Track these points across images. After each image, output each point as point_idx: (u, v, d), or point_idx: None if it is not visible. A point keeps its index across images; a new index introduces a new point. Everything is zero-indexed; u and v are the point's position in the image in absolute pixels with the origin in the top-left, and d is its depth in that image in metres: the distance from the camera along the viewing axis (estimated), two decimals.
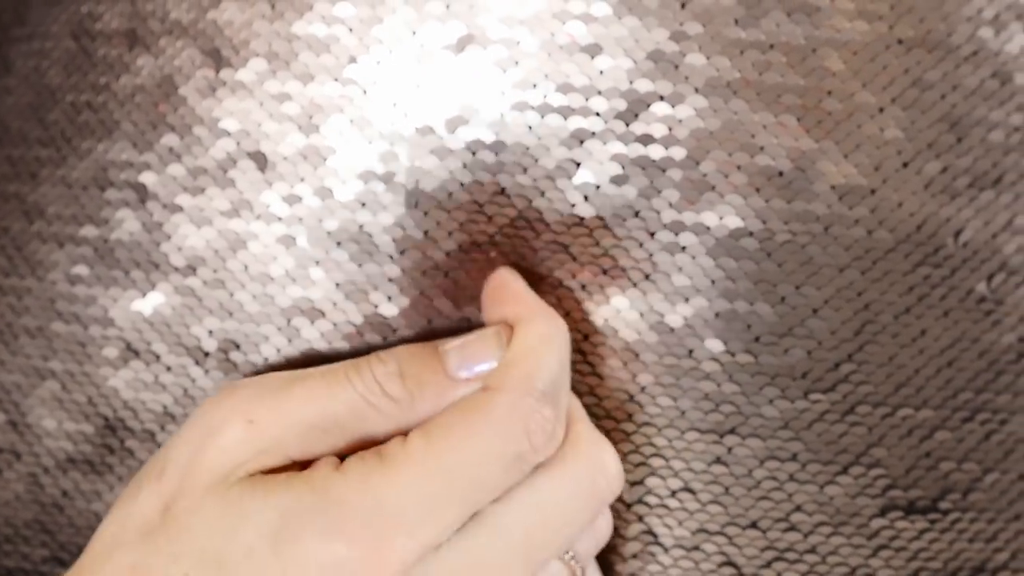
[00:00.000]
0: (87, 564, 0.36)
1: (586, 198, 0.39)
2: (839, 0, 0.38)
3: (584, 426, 0.38)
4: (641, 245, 0.39)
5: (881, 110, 0.39)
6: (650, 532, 0.41)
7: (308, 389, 0.36)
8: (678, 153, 0.39)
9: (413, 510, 0.34)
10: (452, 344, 0.37)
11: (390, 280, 0.40)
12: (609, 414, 0.41)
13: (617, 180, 0.39)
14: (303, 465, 0.36)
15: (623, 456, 0.40)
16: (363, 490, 0.34)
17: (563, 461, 0.37)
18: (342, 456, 0.36)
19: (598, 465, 0.37)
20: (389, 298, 0.40)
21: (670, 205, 0.39)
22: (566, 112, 0.39)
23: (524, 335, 0.37)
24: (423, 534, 0.34)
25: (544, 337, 0.37)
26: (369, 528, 0.34)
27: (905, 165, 0.39)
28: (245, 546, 0.34)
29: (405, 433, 0.36)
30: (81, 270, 0.42)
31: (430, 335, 0.40)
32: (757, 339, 0.40)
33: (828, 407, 0.40)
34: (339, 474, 0.35)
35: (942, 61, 0.39)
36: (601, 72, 0.39)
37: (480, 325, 0.39)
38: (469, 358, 0.37)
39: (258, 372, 0.41)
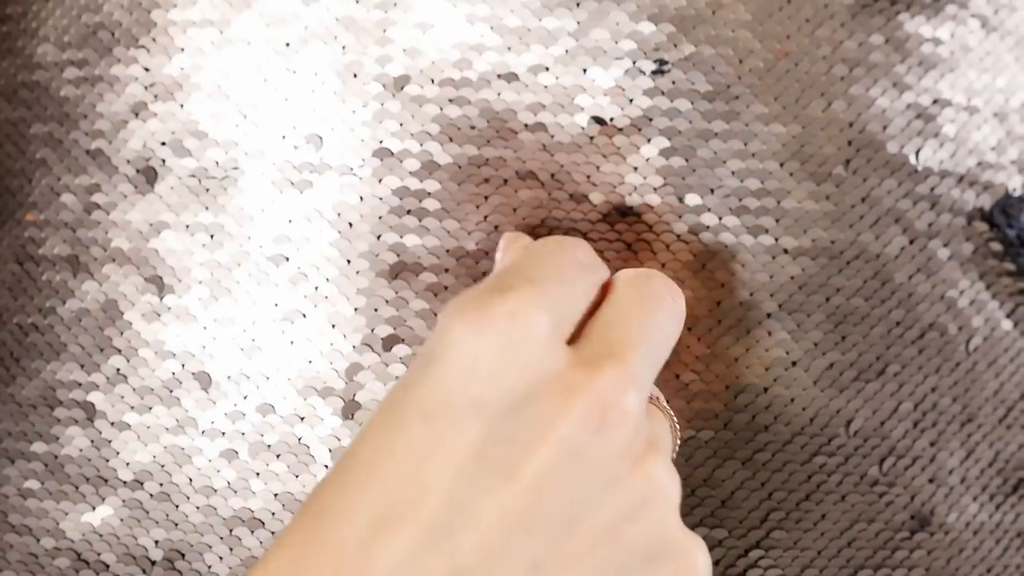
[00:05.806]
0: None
1: None
2: (726, 218, 0.41)
3: None
4: None
5: (769, 315, 0.41)
6: None
7: None
8: None
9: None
10: None
11: None
12: None
13: None
14: None
15: None
16: None
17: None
18: None
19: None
20: None
21: None
22: None
23: None
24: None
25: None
26: None
27: (794, 364, 0.42)
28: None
29: None
30: (32, 484, 0.44)
31: None
32: None
33: None
34: None
35: (825, 267, 0.41)
36: None
37: None
38: None
39: None
